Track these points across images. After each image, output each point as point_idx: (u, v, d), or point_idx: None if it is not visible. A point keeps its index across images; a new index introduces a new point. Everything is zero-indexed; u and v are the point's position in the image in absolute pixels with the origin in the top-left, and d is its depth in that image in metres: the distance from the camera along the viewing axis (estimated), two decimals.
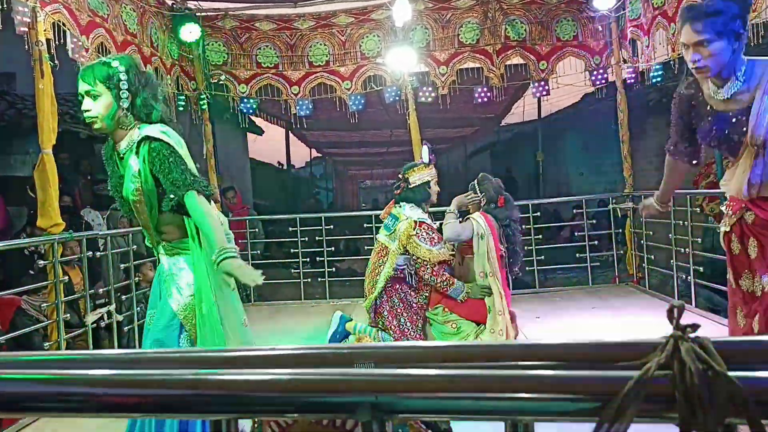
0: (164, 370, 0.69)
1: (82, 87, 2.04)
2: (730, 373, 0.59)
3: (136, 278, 4.28)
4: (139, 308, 4.26)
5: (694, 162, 2.39)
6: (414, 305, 3.73)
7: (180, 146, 2.11)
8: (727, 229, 2.25)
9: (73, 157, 6.87)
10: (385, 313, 3.72)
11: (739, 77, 2.05)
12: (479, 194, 3.78)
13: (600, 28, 5.67)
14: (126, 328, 4.14)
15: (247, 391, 0.66)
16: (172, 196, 2.04)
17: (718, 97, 2.09)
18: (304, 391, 0.64)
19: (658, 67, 5.15)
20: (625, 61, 5.56)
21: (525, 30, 5.76)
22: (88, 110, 2.04)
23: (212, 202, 2.15)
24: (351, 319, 3.87)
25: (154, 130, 2.08)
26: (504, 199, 3.79)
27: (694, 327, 0.64)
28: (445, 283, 3.65)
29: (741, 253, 2.21)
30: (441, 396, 0.63)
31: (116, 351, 0.80)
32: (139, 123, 2.10)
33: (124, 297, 4.15)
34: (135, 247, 4.31)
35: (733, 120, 2.06)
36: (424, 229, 3.64)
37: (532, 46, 5.77)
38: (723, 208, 2.35)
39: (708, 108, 2.13)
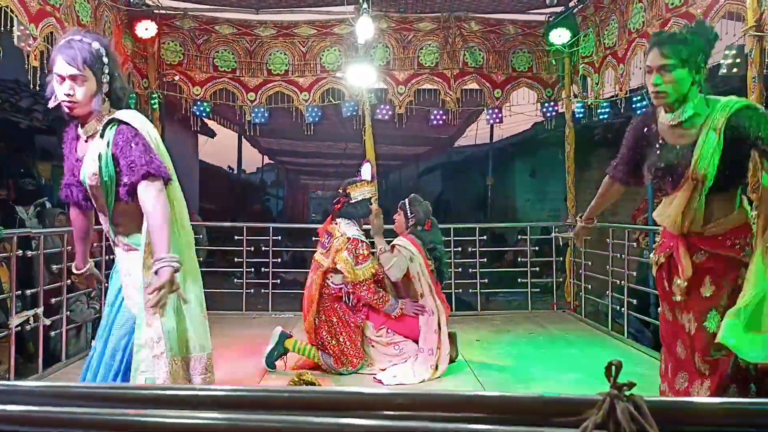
0: (86, 409, 0.66)
1: (67, 70, 1.93)
2: None
3: (68, 281, 4.08)
4: (68, 312, 4.06)
5: (628, 184, 2.48)
6: (351, 324, 3.73)
7: (147, 130, 2.04)
8: (662, 261, 2.32)
9: (10, 148, 6.53)
10: (324, 333, 3.69)
11: (689, 109, 2.13)
12: (410, 215, 3.84)
13: (554, 62, 5.87)
14: (53, 333, 3.94)
15: None
16: (125, 180, 1.95)
17: (668, 122, 2.16)
18: None
19: (605, 104, 5.38)
20: (575, 96, 5.78)
21: (482, 58, 5.90)
22: (71, 95, 1.94)
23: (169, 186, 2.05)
24: (291, 336, 3.82)
25: (124, 114, 2.02)
26: (431, 224, 3.87)
27: (630, 385, 0.66)
28: (380, 300, 3.68)
29: (669, 289, 2.29)
30: None
31: (35, 383, 0.75)
32: (110, 107, 2.05)
33: (53, 300, 3.94)
34: (70, 247, 4.11)
35: (680, 153, 2.14)
36: (354, 245, 3.67)
37: (489, 74, 5.91)
38: (654, 246, 2.45)
39: (660, 139, 2.21)
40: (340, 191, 3.90)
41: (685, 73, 2.08)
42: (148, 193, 1.95)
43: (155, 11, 5.48)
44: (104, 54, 1.99)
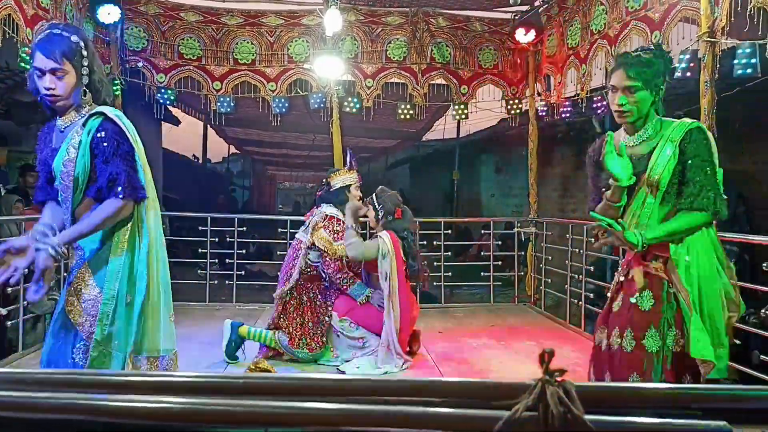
0: (47, 393, 0.68)
1: (45, 64, 1.93)
2: (587, 416, 0.67)
3: (25, 271, 3.99)
4: (26, 302, 3.97)
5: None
6: (319, 307, 3.78)
7: (133, 136, 2.06)
8: (622, 279, 2.35)
9: None
10: (291, 309, 3.75)
11: (649, 128, 2.25)
12: (378, 207, 3.89)
13: (519, 61, 5.98)
14: (9, 323, 3.85)
15: (135, 419, 0.66)
16: (102, 186, 1.97)
17: (629, 143, 2.27)
18: (195, 421, 0.65)
19: (567, 103, 5.51)
20: (539, 94, 5.90)
21: (450, 54, 5.97)
22: (52, 89, 1.95)
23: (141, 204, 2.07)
24: (242, 324, 3.85)
25: (109, 110, 2.04)
26: (401, 211, 3.94)
27: (561, 372, 0.72)
28: (345, 281, 3.76)
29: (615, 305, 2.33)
30: (324, 429, 0.67)
31: None
32: (90, 100, 2.06)
33: (9, 290, 3.86)
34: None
35: (636, 163, 2.22)
36: (332, 222, 3.83)
37: (455, 69, 5.98)
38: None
39: (618, 153, 2.25)
40: (323, 181, 4.08)
41: (647, 95, 2.19)
42: (112, 207, 1.98)
43: None
44: (83, 47, 2.01)
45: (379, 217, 3.90)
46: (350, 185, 3.98)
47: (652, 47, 2.32)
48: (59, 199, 2.11)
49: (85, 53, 2.01)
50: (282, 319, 3.78)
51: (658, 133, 2.24)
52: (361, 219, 4.01)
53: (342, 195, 3.95)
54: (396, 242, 3.78)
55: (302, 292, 3.82)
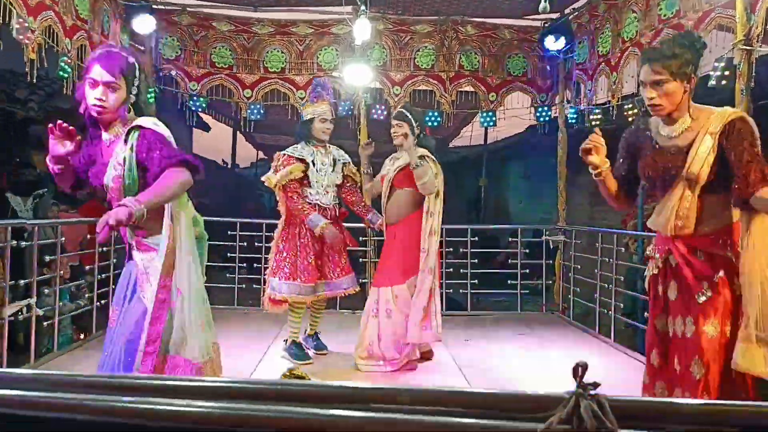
0: (87, 395, 0.70)
1: (102, 76, 2.04)
2: (621, 431, 0.67)
3: (61, 272, 4.11)
4: (62, 303, 4.09)
5: (629, 197, 2.48)
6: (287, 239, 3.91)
7: (169, 137, 2.15)
8: (655, 272, 2.37)
9: (6, 138, 6.53)
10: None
11: (686, 119, 2.22)
12: (415, 123, 3.77)
13: (548, 68, 5.94)
14: (46, 324, 3.97)
15: (172, 422, 0.68)
16: (159, 163, 2.02)
17: (666, 134, 2.25)
18: (232, 425, 0.67)
19: (597, 110, 5.45)
20: (568, 102, 5.84)
21: (478, 61, 5.96)
22: (102, 100, 2.05)
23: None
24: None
25: (146, 120, 2.13)
26: (428, 129, 3.92)
27: (595, 385, 0.72)
28: (301, 211, 3.81)
29: (662, 295, 2.34)
30: None
31: (31, 371, 0.80)
32: (134, 117, 2.16)
33: (46, 290, 3.97)
34: (63, 239, 4.14)
35: (674, 153, 2.22)
36: (278, 158, 3.91)
37: (484, 77, 5.97)
38: (649, 250, 2.47)
39: (653, 143, 2.30)
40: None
41: (677, 86, 2.16)
42: (175, 172, 2.00)
43: (154, 6, 5.50)
44: (137, 68, 2.14)
45: (416, 133, 3.75)
46: (313, 118, 3.90)
47: (680, 37, 2.30)
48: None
49: (137, 74, 2.14)
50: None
51: (696, 123, 2.21)
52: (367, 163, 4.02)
53: (305, 129, 3.90)
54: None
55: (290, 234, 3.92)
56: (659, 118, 2.28)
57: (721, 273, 2.19)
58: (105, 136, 2.16)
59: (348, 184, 4.07)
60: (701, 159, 2.16)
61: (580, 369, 0.72)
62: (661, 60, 2.17)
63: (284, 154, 3.89)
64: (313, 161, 3.89)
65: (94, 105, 2.06)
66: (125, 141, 2.09)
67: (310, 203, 3.85)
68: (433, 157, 3.74)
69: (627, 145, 2.42)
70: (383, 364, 3.72)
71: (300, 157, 3.87)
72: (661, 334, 2.33)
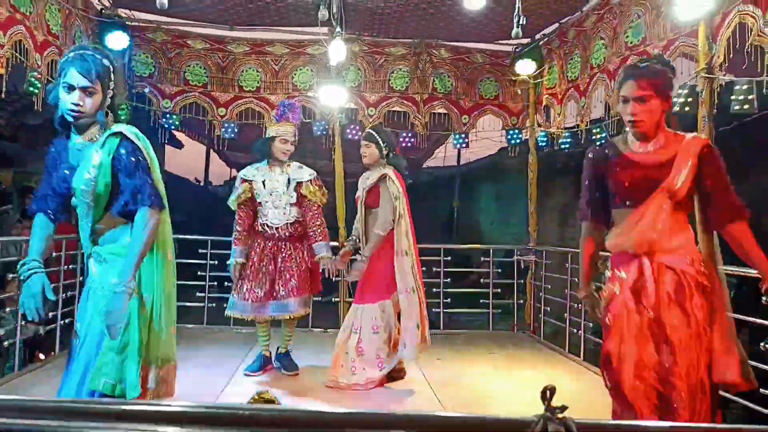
0: (50, 422, 0.69)
1: (78, 80, 2.01)
2: None
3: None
4: (23, 322, 3.97)
5: (603, 222, 2.40)
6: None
7: (149, 152, 2.14)
8: (616, 293, 2.29)
9: None
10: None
11: (660, 138, 2.26)
12: (383, 143, 3.81)
13: (519, 92, 6.07)
14: (6, 343, 3.84)
15: None
16: (128, 199, 2.04)
17: (642, 150, 2.27)
18: None
19: (567, 134, 5.58)
20: (539, 125, 5.97)
21: (451, 84, 6.07)
22: (79, 105, 2.01)
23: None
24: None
25: (126, 128, 2.11)
26: (399, 149, 3.95)
27: (563, 408, 0.73)
28: (234, 236, 3.98)
29: (626, 317, 2.24)
30: None
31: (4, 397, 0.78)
32: (112, 121, 2.14)
33: (7, 309, 3.85)
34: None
35: (653, 167, 2.23)
36: (237, 179, 4.03)
37: (457, 100, 6.07)
38: (607, 272, 2.43)
39: (625, 159, 2.29)
40: None
41: (658, 104, 2.21)
42: (145, 221, 2.05)
43: (127, 22, 5.46)
44: (112, 70, 2.10)
45: (384, 153, 3.79)
46: (275, 137, 3.92)
47: (660, 57, 2.35)
48: (79, 214, 2.16)
49: (112, 77, 2.10)
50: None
51: (670, 143, 2.26)
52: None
53: (264, 146, 3.95)
54: (402, 181, 3.78)
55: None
56: (631, 137, 2.30)
57: (693, 292, 2.20)
58: (77, 140, 2.11)
59: (304, 203, 3.93)
60: (684, 174, 2.21)
61: (548, 392, 0.74)
62: (647, 76, 2.20)
63: (238, 176, 4.03)
64: (263, 182, 3.91)
65: (71, 110, 2.02)
66: (102, 145, 2.06)
67: (261, 223, 3.92)
68: (394, 177, 3.75)
69: (594, 163, 2.38)
70: (364, 382, 3.70)
71: (245, 177, 3.94)
72: (627, 359, 2.22)
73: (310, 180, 3.95)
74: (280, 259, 3.91)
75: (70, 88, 2.02)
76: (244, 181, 3.96)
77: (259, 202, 3.91)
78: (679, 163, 2.22)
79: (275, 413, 0.75)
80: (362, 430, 0.74)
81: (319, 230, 3.89)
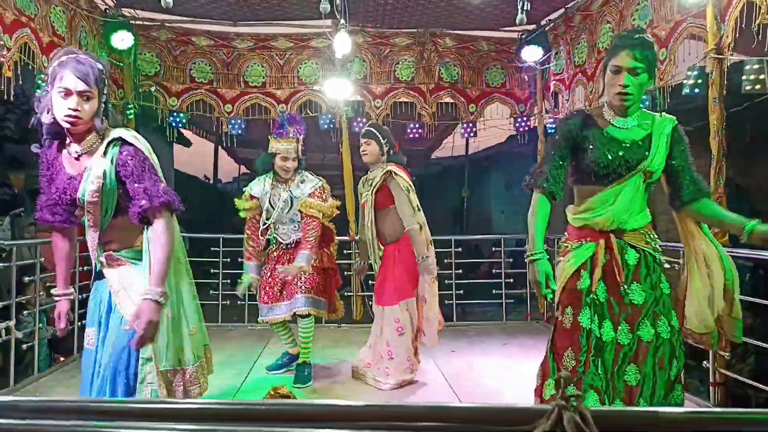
0: (79, 422, 0.70)
1: (76, 85, 1.94)
2: None
3: (41, 293, 4.04)
4: (41, 325, 4.01)
5: (551, 193, 2.27)
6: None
7: (150, 153, 2.09)
8: (575, 267, 2.23)
9: None
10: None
11: (638, 114, 2.24)
12: (383, 141, 3.78)
13: (526, 79, 6.02)
14: (24, 346, 3.88)
15: None
16: (144, 203, 1.98)
17: (620, 125, 2.22)
18: None
19: None
20: (546, 111, 5.92)
21: (457, 73, 6.03)
22: (77, 110, 1.94)
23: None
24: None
25: (125, 133, 2.05)
26: (398, 146, 3.93)
27: (578, 396, 0.73)
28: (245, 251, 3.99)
29: (585, 291, 2.22)
30: None
31: (12, 398, 0.79)
32: (107, 126, 2.08)
33: (25, 312, 3.90)
34: (43, 259, 4.08)
35: (630, 146, 2.20)
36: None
37: (463, 88, 6.04)
38: (567, 244, 2.31)
39: (604, 133, 2.21)
40: None
41: (646, 79, 2.17)
42: (162, 224, 2.01)
43: (132, 22, 5.48)
44: (105, 75, 2.05)
45: (385, 150, 3.77)
46: (276, 154, 3.80)
47: (646, 33, 2.27)
48: (86, 225, 2.12)
49: (106, 81, 2.05)
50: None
51: (644, 122, 2.24)
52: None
53: (267, 161, 3.86)
54: (408, 174, 3.77)
55: None
56: (609, 111, 2.24)
57: (653, 271, 2.24)
58: (75, 148, 2.05)
59: (304, 217, 3.81)
60: (661, 155, 2.21)
61: (562, 381, 0.73)
62: (642, 48, 2.14)
63: (246, 190, 3.98)
64: (270, 199, 3.82)
65: (68, 116, 1.94)
66: (104, 153, 2.02)
67: (273, 235, 3.88)
68: (399, 171, 3.72)
69: (571, 132, 2.25)
70: (397, 384, 3.68)
71: (252, 194, 3.88)
72: (584, 334, 2.19)
73: (311, 193, 3.81)
74: (289, 263, 3.85)
75: (67, 93, 1.94)
76: (252, 197, 3.89)
77: (268, 218, 3.85)
78: (656, 144, 2.21)
79: (291, 407, 0.75)
80: (378, 422, 0.74)
81: (307, 239, 3.74)
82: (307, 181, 3.88)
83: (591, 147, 2.21)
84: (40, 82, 4.22)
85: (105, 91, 2.04)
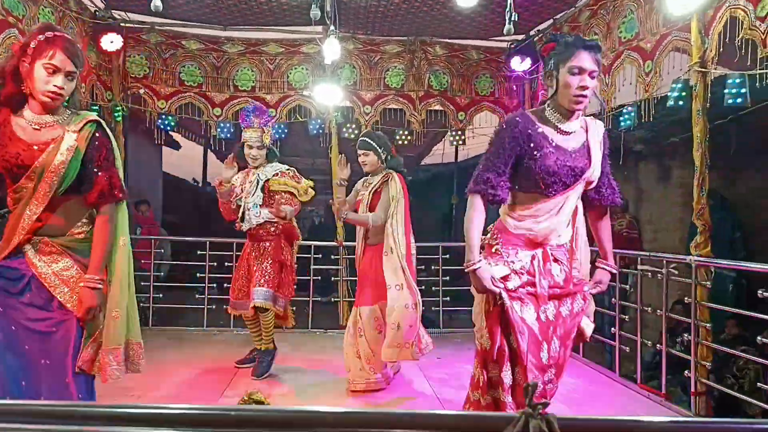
0: (43, 426, 0.70)
1: (66, 65, 2.01)
2: None
3: None
4: None
5: (497, 202, 2.23)
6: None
7: (116, 148, 2.20)
8: (505, 273, 2.19)
9: None
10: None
11: (579, 120, 2.21)
12: (380, 148, 3.80)
13: (515, 88, 6.07)
14: None
15: None
16: (106, 190, 2.08)
17: (566, 128, 2.16)
18: None
19: None
20: None
21: (447, 81, 6.07)
22: (62, 88, 2.02)
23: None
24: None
25: (99, 119, 2.15)
26: (395, 149, 3.96)
27: (545, 404, 0.74)
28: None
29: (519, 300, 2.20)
30: None
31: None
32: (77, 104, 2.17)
33: None
34: None
35: (575, 154, 2.17)
36: None
37: (453, 96, 6.08)
38: (497, 245, 2.26)
39: (550, 139, 2.14)
40: None
41: (596, 83, 2.17)
42: (112, 214, 2.13)
43: (121, 24, 5.46)
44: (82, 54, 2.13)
45: (383, 157, 3.80)
46: (244, 143, 4.04)
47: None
48: (23, 196, 2.06)
49: (83, 59, 2.13)
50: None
51: (582, 126, 2.22)
52: (341, 180, 3.89)
53: (241, 152, 4.05)
54: (404, 184, 3.80)
55: None
56: (552, 114, 2.17)
57: (578, 284, 2.27)
58: (39, 119, 2.06)
59: (275, 198, 3.98)
60: (599, 162, 2.20)
61: (530, 389, 0.75)
62: (596, 52, 2.13)
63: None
64: (241, 187, 4.04)
65: (53, 92, 2.00)
66: (78, 130, 2.07)
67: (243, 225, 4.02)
68: (397, 179, 3.76)
69: (514, 141, 2.13)
70: (384, 379, 3.76)
71: (231, 181, 4.01)
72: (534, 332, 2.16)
73: (277, 173, 4.01)
74: (252, 258, 4.01)
75: (56, 70, 2.00)
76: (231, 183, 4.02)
77: (239, 206, 4.02)
78: (594, 151, 2.19)
79: (263, 413, 0.76)
80: (349, 429, 0.75)
81: (282, 210, 3.92)
82: (275, 165, 4.10)
83: (538, 155, 2.12)
84: None
85: (81, 69, 2.11)
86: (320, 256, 5.84)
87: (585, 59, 2.09)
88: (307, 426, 0.75)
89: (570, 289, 2.24)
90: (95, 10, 5.28)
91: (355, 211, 3.88)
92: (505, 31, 3.68)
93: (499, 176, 2.16)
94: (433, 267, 5.90)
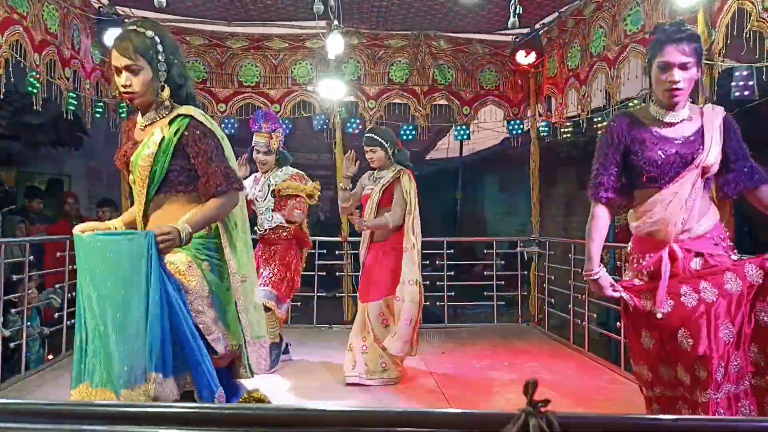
0: (43, 425, 0.70)
1: (120, 61, 1.96)
2: None
3: (29, 291, 4.02)
4: (29, 323, 4.00)
5: (623, 203, 2.23)
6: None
7: (223, 138, 2.10)
8: (637, 283, 2.15)
9: None
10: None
11: (687, 109, 2.13)
12: (387, 144, 3.81)
13: (520, 82, 6.04)
14: (12, 345, 3.87)
15: None
16: (220, 183, 1.97)
17: (669, 120, 2.11)
18: None
19: (568, 123, 5.55)
20: (540, 115, 5.94)
21: (451, 75, 6.04)
22: (128, 85, 1.97)
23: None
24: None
25: (196, 111, 2.04)
26: (401, 143, 3.98)
27: (546, 402, 0.73)
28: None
29: (648, 311, 2.10)
30: None
31: (30, 401, 0.79)
32: (172, 97, 2.05)
33: (13, 310, 3.88)
34: (32, 257, 4.06)
35: (684, 141, 2.09)
36: None
37: (457, 91, 6.05)
38: (634, 260, 2.21)
39: (653, 131, 2.13)
40: None
41: (695, 72, 2.08)
42: (234, 198, 2.03)
43: (125, 20, 5.45)
44: (159, 42, 2.00)
45: (390, 152, 3.81)
46: (253, 147, 4.15)
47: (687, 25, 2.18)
48: (133, 194, 2.12)
49: (160, 48, 2.00)
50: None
51: (693, 114, 2.14)
52: (346, 184, 3.91)
53: (251, 155, 4.17)
54: (415, 178, 3.82)
55: None
56: (656, 108, 2.14)
57: (730, 279, 2.05)
58: (140, 119, 2.09)
59: (285, 201, 4.06)
60: (717, 148, 2.11)
61: (530, 387, 0.74)
62: (690, 41, 2.06)
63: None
64: (253, 190, 4.10)
65: (122, 93, 2.02)
66: (169, 123, 2.00)
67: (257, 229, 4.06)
68: (409, 175, 3.80)
69: (617, 140, 2.16)
70: (397, 376, 3.79)
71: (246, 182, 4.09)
72: (655, 353, 2.10)
73: (286, 178, 4.08)
74: (262, 261, 4.04)
75: (117, 70, 1.98)
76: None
77: (254, 210, 4.08)
78: (709, 137, 2.10)
79: (261, 412, 0.76)
80: (349, 428, 0.74)
81: (293, 211, 3.99)
82: (285, 169, 4.16)
83: (639, 148, 2.12)
84: (32, 80, 4.21)
85: (161, 59, 1.99)
86: (325, 251, 5.85)
87: (671, 53, 2.04)
88: (308, 425, 0.75)
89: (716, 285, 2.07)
90: (99, 7, 5.27)
91: (361, 206, 3.90)
92: (509, 25, 3.65)
93: (608, 177, 2.18)
94: (438, 262, 5.89)
